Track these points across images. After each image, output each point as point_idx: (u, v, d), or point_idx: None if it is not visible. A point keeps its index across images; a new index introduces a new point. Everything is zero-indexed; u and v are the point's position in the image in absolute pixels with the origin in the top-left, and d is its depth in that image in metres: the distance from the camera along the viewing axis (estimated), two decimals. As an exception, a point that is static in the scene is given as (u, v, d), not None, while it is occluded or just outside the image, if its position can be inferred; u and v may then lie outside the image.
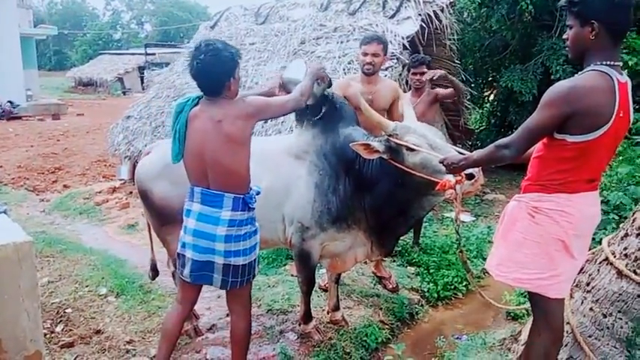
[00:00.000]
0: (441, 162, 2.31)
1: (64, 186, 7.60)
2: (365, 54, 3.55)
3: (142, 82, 23.78)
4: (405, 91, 5.22)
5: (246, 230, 2.34)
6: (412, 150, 2.49)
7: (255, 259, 2.42)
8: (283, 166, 2.85)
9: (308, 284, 3.03)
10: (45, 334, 2.94)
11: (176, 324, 2.51)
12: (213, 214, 2.29)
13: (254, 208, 2.38)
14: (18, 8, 17.72)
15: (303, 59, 2.55)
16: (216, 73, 2.22)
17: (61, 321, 3.30)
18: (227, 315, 3.42)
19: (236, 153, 2.25)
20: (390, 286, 3.90)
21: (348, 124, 2.87)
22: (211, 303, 3.57)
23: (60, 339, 3.08)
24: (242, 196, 2.30)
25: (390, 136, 2.60)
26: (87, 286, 3.81)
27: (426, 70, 4.48)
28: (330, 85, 2.80)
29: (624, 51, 5.72)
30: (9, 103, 15.28)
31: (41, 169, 8.57)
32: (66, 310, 3.43)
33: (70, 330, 3.20)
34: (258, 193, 2.40)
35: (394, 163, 2.57)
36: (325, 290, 3.63)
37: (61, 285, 3.83)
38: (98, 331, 3.19)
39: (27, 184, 7.67)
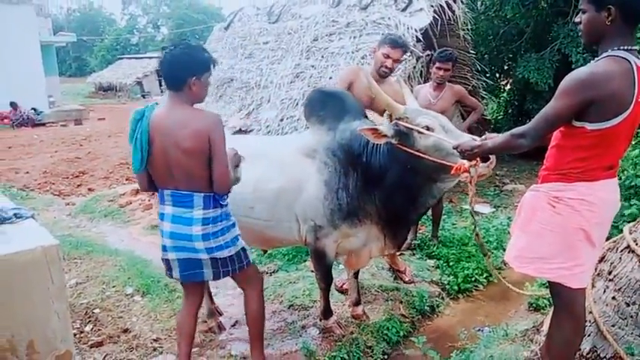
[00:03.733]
0: (455, 148, 2.30)
1: (89, 189, 7.77)
2: (387, 56, 3.40)
3: (161, 84, 24.05)
4: (419, 83, 5.21)
5: (222, 225, 2.34)
6: (423, 133, 2.47)
7: (242, 248, 2.44)
8: (294, 166, 2.86)
9: (325, 281, 3.06)
10: (74, 334, 3.03)
11: (189, 321, 2.56)
12: (185, 215, 2.29)
13: (226, 204, 2.38)
14: (37, 17, 18.12)
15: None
16: (179, 66, 2.21)
17: (89, 321, 3.39)
18: (249, 311, 3.49)
19: (198, 162, 2.21)
20: (406, 279, 3.91)
21: (355, 118, 2.86)
22: (234, 300, 3.63)
23: (89, 339, 3.17)
24: (212, 194, 2.29)
25: (399, 119, 2.58)
26: (114, 287, 3.90)
27: (450, 66, 4.32)
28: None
29: None
30: (33, 110, 15.66)
31: (66, 173, 8.77)
32: (94, 311, 3.52)
33: (99, 330, 3.29)
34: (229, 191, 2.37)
35: (404, 147, 2.54)
36: (341, 292, 3.65)
37: (89, 286, 3.93)
38: (126, 330, 3.27)
39: (53, 188, 7.87)
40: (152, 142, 2.24)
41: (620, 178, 3.86)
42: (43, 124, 15.46)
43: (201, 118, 2.22)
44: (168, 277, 2.52)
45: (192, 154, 2.19)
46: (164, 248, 2.40)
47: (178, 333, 2.59)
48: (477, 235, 2.62)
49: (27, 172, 8.79)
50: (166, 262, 2.44)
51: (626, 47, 1.88)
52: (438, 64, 4.30)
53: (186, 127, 2.18)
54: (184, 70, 2.21)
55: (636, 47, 1.91)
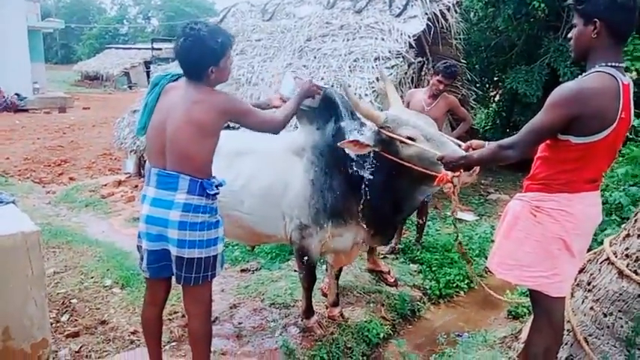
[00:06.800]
0: (439, 159, 2.28)
1: (70, 178, 7.66)
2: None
3: (148, 76, 23.72)
4: (409, 88, 5.25)
5: (203, 219, 2.14)
6: (406, 143, 2.46)
7: (215, 255, 2.21)
8: (283, 163, 2.86)
9: (309, 280, 3.06)
10: (51, 324, 2.98)
11: (154, 323, 2.41)
12: (167, 198, 2.12)
13: (214, 197, 2.20)
14: (26, 1, 17.77)
15: (293, 75, 2.46)
16: (196, 59, 2.11)
17: (66, 311, 3.34)
18: (230, 308, 3.47)
19: (199, 138, 2.10)
20: (391, 280, 3.93)
21: (342, 117, 2.82)
22: (215, 295, 3.59)
23: (65, 329, 3.12)
24: (200, 179, 2.13)
25: (381, 128, 2.55)
26: (92, 278, 3.85)
27: (451, 82, 4.36)
28: (322, 93, 2.67)
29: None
30: (16, 96, 15.38)
31: (47, 161, 8.63)
32: (71, 301, 3.47)
33: (76, 320, 3.25)
34: (220, 185, 2.23)
35: (388, 155, 2.54)
36: (326, 295, 3.65)
37: (67, 276, 3.87)
38: (103, 322, 3.23)
39: (33, 176, 7.73)
40: (156, 109, 2.18)
41: (604, 195, 3.94)
42: (26, 110, 15.19)
43: (217, 95, 2.16)
44: (139, 268, 2.33)
45: (199, 127, 2.08)
46: (138, 235, 2.26)
47: (144, 332, 2.47)
48: (459, 244, 2.63)
49: (7, 158, 8.63)
50: (139, 249, 2.29)
51: (612, 64, 1.91)
52: (440, 78, 4.18)
53: (203, 101, 2.10)
54: (201, 63, 2.11)
55: (622, 64, 1.95)
